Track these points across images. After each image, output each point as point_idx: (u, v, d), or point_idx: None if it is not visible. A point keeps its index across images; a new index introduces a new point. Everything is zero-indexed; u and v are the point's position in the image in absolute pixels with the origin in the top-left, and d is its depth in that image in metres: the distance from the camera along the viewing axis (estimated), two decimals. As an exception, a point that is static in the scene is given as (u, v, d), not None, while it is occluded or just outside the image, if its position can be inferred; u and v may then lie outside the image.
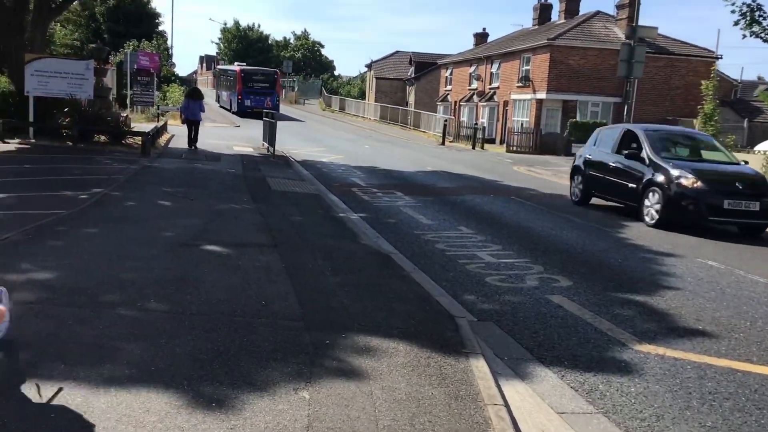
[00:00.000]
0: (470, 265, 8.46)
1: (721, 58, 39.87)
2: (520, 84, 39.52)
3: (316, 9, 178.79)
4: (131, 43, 52.46)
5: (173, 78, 54.38)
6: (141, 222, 9.14)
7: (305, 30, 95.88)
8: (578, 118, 36.48)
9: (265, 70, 52.25)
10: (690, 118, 32.17)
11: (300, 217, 10.97)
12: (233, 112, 48.30)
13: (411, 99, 60.95)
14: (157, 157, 17.97)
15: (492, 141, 40.30)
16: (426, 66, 60.39)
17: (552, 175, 21.77)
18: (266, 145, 22.86)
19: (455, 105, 50.40)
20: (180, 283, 6.19)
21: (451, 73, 52.65)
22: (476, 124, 37.50)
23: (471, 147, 35.37)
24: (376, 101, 62.80)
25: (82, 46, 61.44)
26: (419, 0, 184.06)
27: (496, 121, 42.70)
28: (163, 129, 25.33)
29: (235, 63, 62.42)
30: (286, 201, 12.44)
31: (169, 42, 61.37)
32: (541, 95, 37.39)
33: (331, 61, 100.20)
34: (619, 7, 38.79)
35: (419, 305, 6.19)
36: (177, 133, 27.74)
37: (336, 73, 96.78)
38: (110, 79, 25.51)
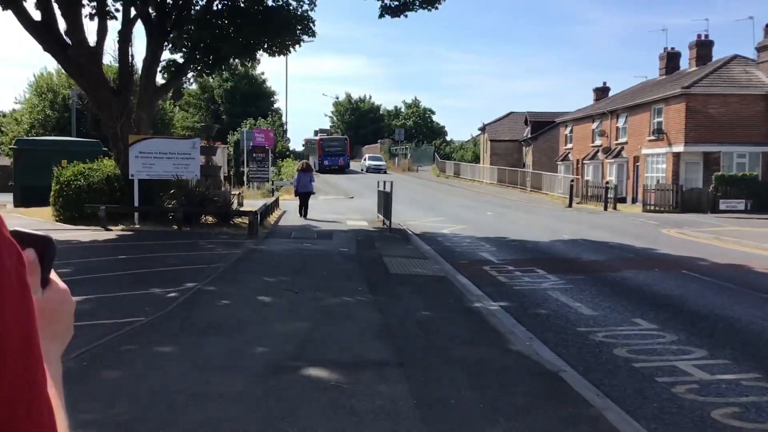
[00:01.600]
0: (677, 388, 5.94)
1: None
2: (653, 137, 36.26)
3: (425, 79, 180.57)
4: (248, 122, 53.20)
5: (288, 153, 54.60)
6: (230, 331, 7.25)
7: (415, 98, 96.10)
8: (723, 171, 32.76)
9: (338, 137, 68.45)
10: None
11: (427, 311, 8.81)
12: (316, 171, 53.99)
13: (528, 160, 58.34)
14: (265, 238, 16.46)
15: (623, 200, 36.97)
16: (543, 125, 57.82)
17: (714, 239, 18.61)
18: (381, 217, 21.09)
19: (577, 164, 47.38)
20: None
21: (570, 131, 49.87)
22: (607, 182, 34.46)
23: (603, 208, 32.30)
24: (491, 164, 60.63)
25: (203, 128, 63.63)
26: (529, 63, 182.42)
27: (626, 179, 39.38)
28: (274, 205, 24.16)
29: (318, 134, 74.17)
30: (408, 288, 10.34)
31: (283, 118, 62.24)
32: (678, 148, 33.97)
33: (443, 127, 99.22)
34: (760, 49, 35.12)
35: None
36: (289, 209, 26.56)
37: (448, 138, 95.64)
38: (221, 157, 24.77)
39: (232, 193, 30.31)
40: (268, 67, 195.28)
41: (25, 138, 32.02)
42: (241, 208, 21.04)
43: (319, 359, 6.25)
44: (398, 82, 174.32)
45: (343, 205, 32.09)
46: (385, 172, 60.45)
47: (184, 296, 9.05)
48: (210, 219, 18.33)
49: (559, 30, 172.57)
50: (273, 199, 25.02)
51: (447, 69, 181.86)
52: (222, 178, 25.44)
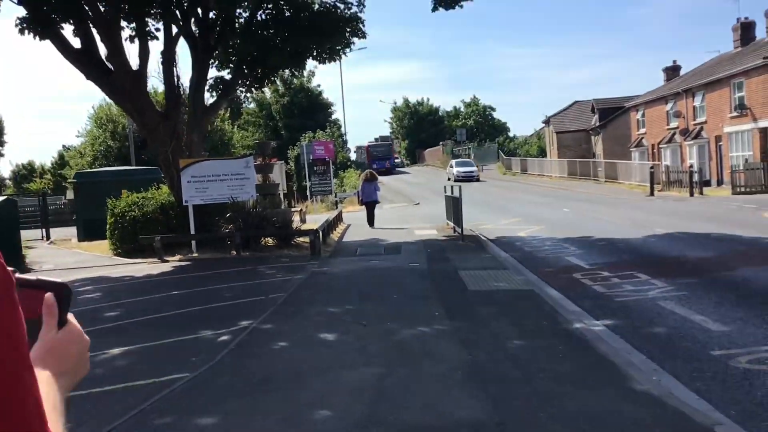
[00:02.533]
0: None
1: None
2: (735, 114, 33.66)
3: (481, 77, 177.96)
4: (307, 135, 52.56)
5: (349, 163, 53.70)
6: (287, 387, 6.01)
7: (474, 96, 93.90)
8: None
9: (382, 143, 78.25)
10: None
11: (520, 339, 7.40)
12: None
13: (598, 149, 55.80)
14: (329, 257, 15.29)
15: (707, 183, 34.42)
16: (611, 112, 55.19)
17: (829, 220, 16.52)
18: (451, 224, 19.70)
19: (653, 148, 44.79)
20: None
21: (642, 115, 47.28)
22: (691, 166, 32.05)
23: (689, 194, 29.97)
24: (558, 157, 58.33)
25: (262, 145, 63.39)
26: (586, 51, 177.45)
27: (709, 160, 36.74)
28: (337, 220, 23.05)
29: (366, 141, 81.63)
30: (492, 309, 8.94)
31: (342, 129, 61.48)
32: (765, 122, 31.34)
33: (504, 123, 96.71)
34: None
35: None
36: (354, 221, 25.44)
37: (510, 134, 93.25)
38: (278, 174, 23.82)
39: (294, 209, 29.50)
40: (324, 80, 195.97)
41: (84, 171, 31.95)
42: (303, 226, 20.00)
43: (397, 423, 4.93)
44: (454, 83, 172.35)
45: (409, 212, 30.81)
46: (477, 180, 52.18)
47: (236, 339, 7.88)
48: (270, 241, 17.30)
49: (612, 14, 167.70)
50: (336, 212, 23.91)
51: (502, 65, 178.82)
52: (282, 196, 24.50)
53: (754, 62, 31.75)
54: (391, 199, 41.10)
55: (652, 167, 33.66)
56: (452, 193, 19.08)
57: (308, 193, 41.18)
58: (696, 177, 30.96)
